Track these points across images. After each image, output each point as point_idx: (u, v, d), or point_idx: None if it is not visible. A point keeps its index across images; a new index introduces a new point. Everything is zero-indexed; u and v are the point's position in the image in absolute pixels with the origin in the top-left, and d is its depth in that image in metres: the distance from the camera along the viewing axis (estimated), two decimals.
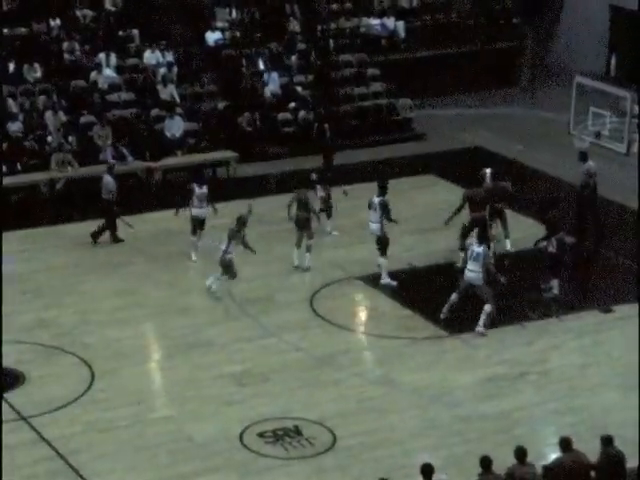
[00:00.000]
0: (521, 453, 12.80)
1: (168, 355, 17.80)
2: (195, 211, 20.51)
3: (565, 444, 13.03)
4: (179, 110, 26.25)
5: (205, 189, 20.55)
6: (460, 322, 18.56)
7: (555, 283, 19.29)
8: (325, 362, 17.29)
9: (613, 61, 30.68)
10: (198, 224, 20.60)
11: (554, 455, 13.38)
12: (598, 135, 20.92)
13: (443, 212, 21.34)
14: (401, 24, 30.86)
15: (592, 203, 21.59)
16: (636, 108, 20.60)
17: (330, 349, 17.74)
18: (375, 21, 30.79)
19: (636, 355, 17.41)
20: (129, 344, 17.85)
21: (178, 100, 26.74)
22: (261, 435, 15.44)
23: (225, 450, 15.14)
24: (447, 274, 19.79)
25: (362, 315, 19.59)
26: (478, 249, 18.18)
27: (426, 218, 22.39)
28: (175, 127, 25.76)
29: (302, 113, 27.22)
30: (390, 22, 30.82)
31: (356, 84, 28.57)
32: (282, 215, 21.75)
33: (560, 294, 19.33)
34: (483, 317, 18.17)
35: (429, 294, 19.39)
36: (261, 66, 28.14)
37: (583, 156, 21.57)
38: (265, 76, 27.77)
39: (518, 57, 31.50)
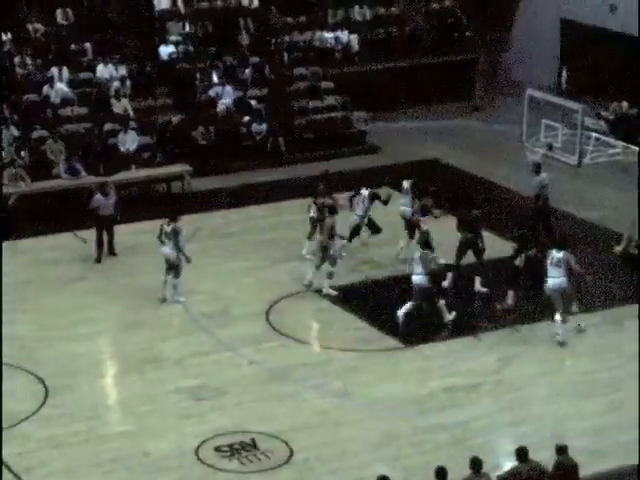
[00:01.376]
0: (476, 463, 12.88)
1: (123, 370, 17.72)
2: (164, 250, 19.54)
3: (521, 454, 13.12)
4: (133, 124, 26.18)
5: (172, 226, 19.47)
6: (415, 334, 18.69)
7: (511, 294, 19.44)
8: (281, 375, 17.31)
9: (564, 74, 31.08)
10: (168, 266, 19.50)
11: (509, 465, 13.46)
12: (550, 147, 21.10)
13: (398, 224, 21.39)
14: (355, 37, 30.99)
15: (545, 214, 21.80)
16: (587, 120, 20.83)
17: (286, 362, 17.76)
18: (329, 34, 30.90)
19: (589, 364, 17.69)
20: (84, 360, 17.75)
21: (132, 114, 26.67)
22: (217, 449, 15.40)
23: (181, 465, 15.08)
24: (402, 286, 19.84)
25: (318, 328, 19.62)
26: (559, 255, 18.11)
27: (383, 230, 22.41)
28: (129, 141, 25.69)
29: (256, 126, 27.24)
30: (344, 35, 30.94)
31: (310, 97, 28.64)
32: (236, 229, 21.74)
33: (515, 305, 19.44)
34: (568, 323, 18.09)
35: (384, 306, 19.43)
36: (215, 80, 28.12)
37: (537, 168, 21.78)
38: (219, 90, 27.75)
39: (471, 70, 31.83)
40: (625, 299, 20.00)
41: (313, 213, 21.02)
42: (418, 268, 18.59)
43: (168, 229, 19.30)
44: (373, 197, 20.93)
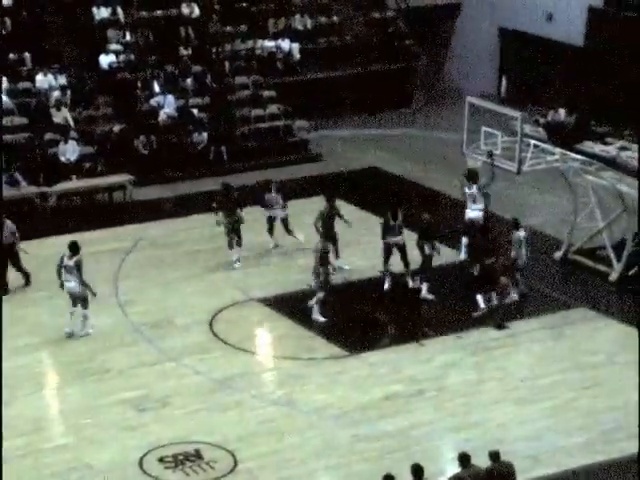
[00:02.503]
0: (417, 470, 12.94)
1: (64, 382, 17.58)
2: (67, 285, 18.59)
3: (464, 459, 13.22)
4: (73, 134, 26.01)
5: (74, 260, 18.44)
6: (359, 342, 18.77)
7: (479, 298, 19.65)
8: (225, 385, 17.27)
9: (504, 82, 31.24)
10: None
11: (452, 471, 13.57)
12: (490, 155, 21.20)
13: (342, 233, 21.47)
14: (296, 46, 31.01)
15: (483, 221, 21.90)
16: (526, 127, 21.05)
17: (230, 372, 17.73)
18: (270, 43, 30.90)
19: (529, 370, 17.92)
20: (23, 372, 17.58)
21: (72, 124, 26.48)
22: (161, 460, 15.34)
23: (125, 477, 15.01)
24: (345, 294, 19.92)
25: (262, 337, 19.63)
26: None
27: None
28: (70, 151, 25.52)
29: (198, 136, 27.19)
30: (285, 44, 30.98)
31: (252, 106, 28.62)
32: (178, 239, 21.65)
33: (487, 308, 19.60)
34: None
35: (328, 314, 19.47)
36: (156, 89, 28.04)
37: (473, 174, 21.93)
38: (160, 99, 27.68)
39: (412, 79, 31.94)
40: (563, 305, 20.24)
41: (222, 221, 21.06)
42: None
43: (70, 263, 18.28)
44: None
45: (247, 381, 17.48)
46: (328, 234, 20.54)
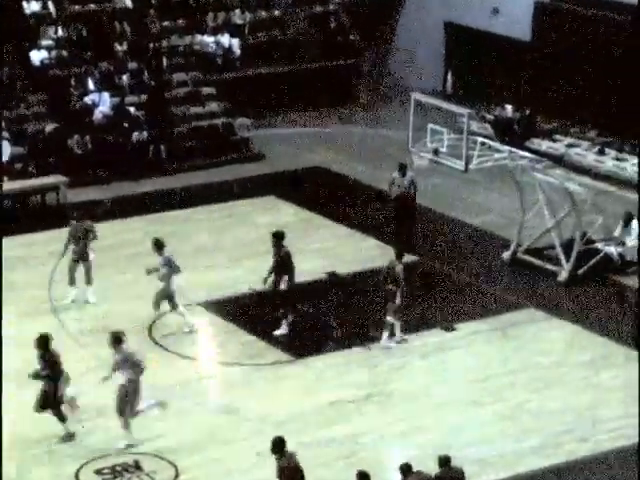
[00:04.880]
0: (363, 477, 13.01)
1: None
2: None
3: (405, 470, 13.31)
4: (4, 134, 25.66)
5: None
6: (305, 346, 18.81)
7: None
8: (166, 392, 17.13)
9: (450, 78, 31.46)
10: None
11: (399, 478, 13.62)
12: (437, 152, 21.31)
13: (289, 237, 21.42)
14: (236, 41, 30.92)
15: (412, 214, 22.34)
16: (473, 125, 21.22)
17: (171, 379, 17.65)
18: (209, 38, 30.78)
19: (477, 373, 18.08)
20: None
21: (2, 123, 26.15)
22: (98, 472, 15.23)
23: None
24: (289, 297, 19.88)
25: (204, 342, 19.57)
26: None
27: (268, 241, 22.22)
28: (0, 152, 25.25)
29: (136, 134, 27.03)
30: (225, 39, 30.87)
31: (191, 103, 28.51)
32: (113, 242, 21.40)
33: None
34: None
35: (272, 318, 19.45)
36: (91, 86, 27.82)
37: (402, 167, 22.32)
38: (95, 97, 27.47)
39: (356, 74, 31.98)
40: (512, 306, 20.40)
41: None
42: None
43: None
44: None
45: (189, 388, 17.43)
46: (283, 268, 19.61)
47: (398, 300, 18.56)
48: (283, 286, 19.02)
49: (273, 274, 19.10)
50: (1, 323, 16.21)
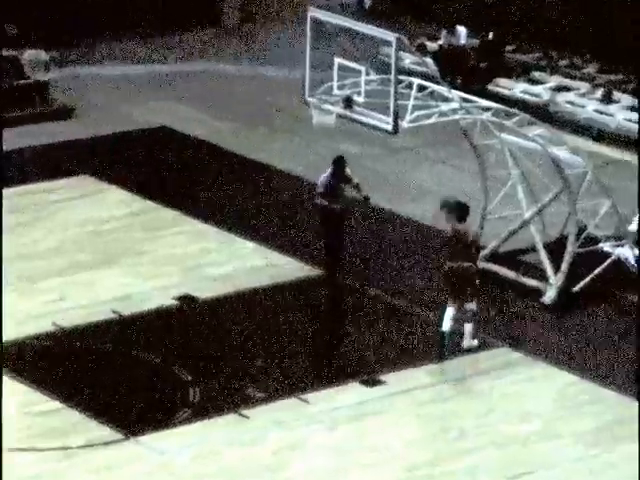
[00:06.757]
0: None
1: None
2: None
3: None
4: None
5: None
6: (142, 416, 18.88)
7: None
8: None
9: None
10: None
11: None
12: (349, 103, 20.96)
13: (115, 239, 22.10)
14: None
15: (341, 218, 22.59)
16: (406, 58, 20.96)
17: None
18: None
19: (420, 451, 18.01)
20: None
21: None
22: None
23: None
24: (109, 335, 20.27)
25: None
26: None
27: (82, 246, 22.67)
28: None
29: None
30: None
31: None
32: None
33: None
34: None
35: (80, 372, 19.73)
36: None
37: (339, 166, 22.41)
38: None
39: None
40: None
41: None
42: None
43: None
44: None
45: None
46: None
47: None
48: None
49: None
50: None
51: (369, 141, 24.91)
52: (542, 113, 20.91)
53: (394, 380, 19.50)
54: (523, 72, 21.85)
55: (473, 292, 20.10)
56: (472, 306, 20.10)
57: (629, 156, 20.87)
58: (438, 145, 25.41)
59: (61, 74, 28.54)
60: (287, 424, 18.61)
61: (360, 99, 20.98)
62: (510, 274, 22.07)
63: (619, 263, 21.95)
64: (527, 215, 22.12)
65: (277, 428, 18.51)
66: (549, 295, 21.53)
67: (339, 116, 21.33)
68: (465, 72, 21.31)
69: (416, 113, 20.82)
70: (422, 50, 24.34)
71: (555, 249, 21.80)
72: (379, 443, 18.28)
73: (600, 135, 20.60)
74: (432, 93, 21.24)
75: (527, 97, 21.18)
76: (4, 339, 19.68)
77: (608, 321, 21.22)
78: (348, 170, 22.59)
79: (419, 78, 21.32)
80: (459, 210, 20.37)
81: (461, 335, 20.38)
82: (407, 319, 21.27)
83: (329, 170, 22.50)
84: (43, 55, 28.26)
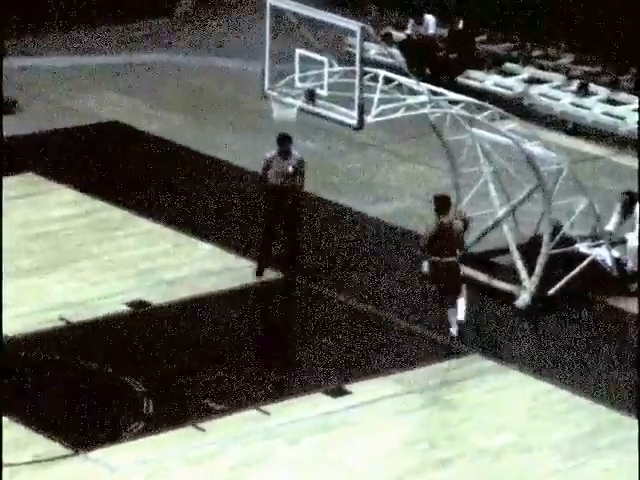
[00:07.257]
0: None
1: None
2: None
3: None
4: None
5: None
6: (92, 430, 18.61)
7: None
8: None
9: None
10: None
11: None
12: (311, 96, 20.80)
13: (63, 241, 22.01)
14: None
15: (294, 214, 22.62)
16: (371, 49, 20.75)
17: None
18: None
19: (387, 469, 17.89)
20: None
21: None
22: None
23: None
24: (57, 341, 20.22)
25: None
26: None
27: (28, 250, 22.57)
28: None
29: None
30: None
31: None
32: None
33: None
34: None
35: (30, 379, 19.58)
36: None
37: (284, 145, 22.33)
38: None
39: None
40: (442, 352, 20.74)
41: None
42: None
43: None
44: None
45: None
46: None
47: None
48: None
49: None
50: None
51: (333, 137, 25.00)
52: (515, 106, 21.00)
53: (360, 390, 19.46)
54: (495, 63, 21.98)
55: (458, 286, 20.30)
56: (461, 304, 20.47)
57: (605, 152, 20.67)
58: (406, 141, 25.48)
59: (5, 65, 27.87)
60: (246, 437, 18.46)
61: (323, 92, 20.95)
62: (482, 277, 22.07)
63: (596, 265, 21.90)
64: (500, 214, 22.11)
65: (235, 442, 18.39)
66: (523, 299, 21.49)
67: (301, 110, 21.30)
68: (434, 63, 21.43)
69: (382, 107, 20.77)
70: (388, 40, 24.50)
71: (529, 250, 21.85)
72: (344, 457, 18.20)
73: (576, 129, 20.47)
74: (399, 86, 21.17)
75: (499, 90, 21.29)
76: None
77: (585, 326, 21.20)
78: (295, 152, 22.51)
79: (385, 70, 21.25)
80: (436, 202, 20.51)
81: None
82: (374, 325, 21.20)
83: (274, 150, 22.47)
84: None
